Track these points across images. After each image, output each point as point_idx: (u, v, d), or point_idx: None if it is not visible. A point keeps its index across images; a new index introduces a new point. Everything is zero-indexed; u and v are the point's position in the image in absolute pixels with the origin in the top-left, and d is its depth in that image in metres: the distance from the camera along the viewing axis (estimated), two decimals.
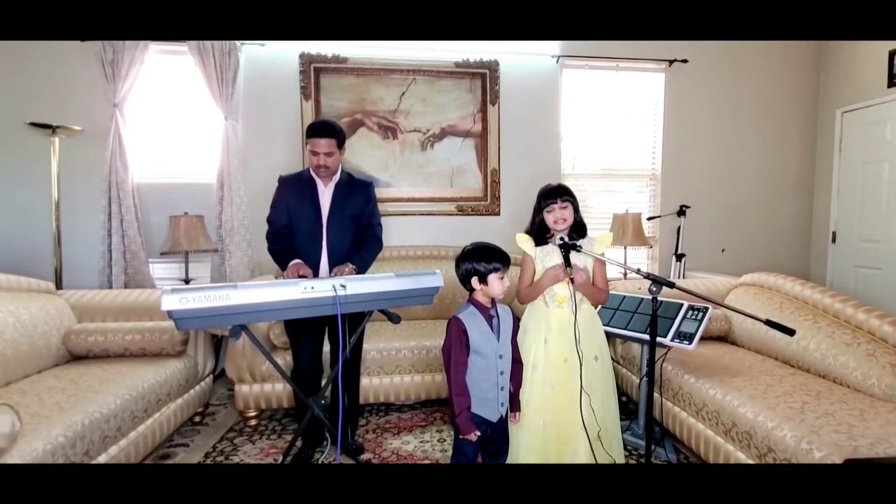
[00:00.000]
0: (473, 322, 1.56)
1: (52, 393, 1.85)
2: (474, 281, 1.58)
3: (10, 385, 1.96)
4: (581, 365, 1.68)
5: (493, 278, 1.56)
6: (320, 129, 2.11)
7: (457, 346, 1.54)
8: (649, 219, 3.83)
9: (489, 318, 1.58)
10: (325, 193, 2.19)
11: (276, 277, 3.10)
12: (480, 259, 1.57)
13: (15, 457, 1.39)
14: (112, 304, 2.55)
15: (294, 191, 2.19)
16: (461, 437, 1.54)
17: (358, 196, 2.24)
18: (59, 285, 2.93)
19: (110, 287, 3.17)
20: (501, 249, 1.60)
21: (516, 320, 1.68)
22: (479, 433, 1.54)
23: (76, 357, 2.34)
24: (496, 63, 3.59)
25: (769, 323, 1.61)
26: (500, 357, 1.58)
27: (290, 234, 2.17)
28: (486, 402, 1.57)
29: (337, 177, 2.22)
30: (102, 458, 1.75)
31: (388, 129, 3.53)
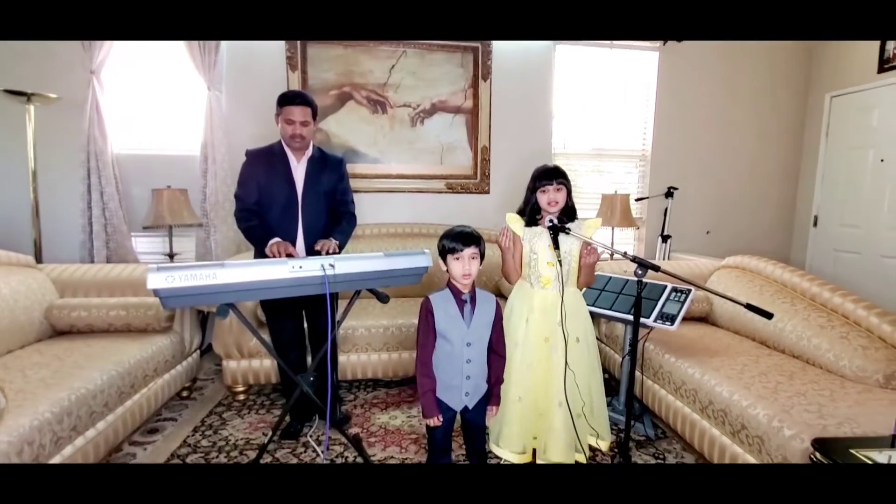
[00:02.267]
0: (442, 304, 1.55)
1: (37, 369, 1.84)
2: (441, 261, 1.58)
3: None
4: (566, 344, 1.71)
5: (449, 258, 1.53)
6: (294, 97, 2.05)
7: (423, 327, 1.55)
8: (637, 200, 3.86)
9: (461, 304, 1.55)
10: (299, 169, 2.13)
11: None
12: (444, 238, 1.55)
13: (1, 433, 1.39)
14: (94, 278, 2.51)
15: (265, 165, 2.10)
16: (423, 419, 1.57)
17: (331, 172, 2.19)
18: (38, 258, 2.87)
19: (91, 261, 3.12)
20: (469, 233, 1.54)
21: (499, 311, 1.63)
22: (441, 419, 1.55)
23: (59, 332, 2.31)
24: None
25: (749, 307, 1.65)
26: (468, 345, 1.55)
27: (262, 211, 2.10)
28: (450, 388, 1.56)
29: (309, 151, 2.15)
30: (90, 433, 1.76)
31: (378, 104, 3.46)
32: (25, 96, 2.81)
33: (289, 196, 2.10)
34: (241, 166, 2.14)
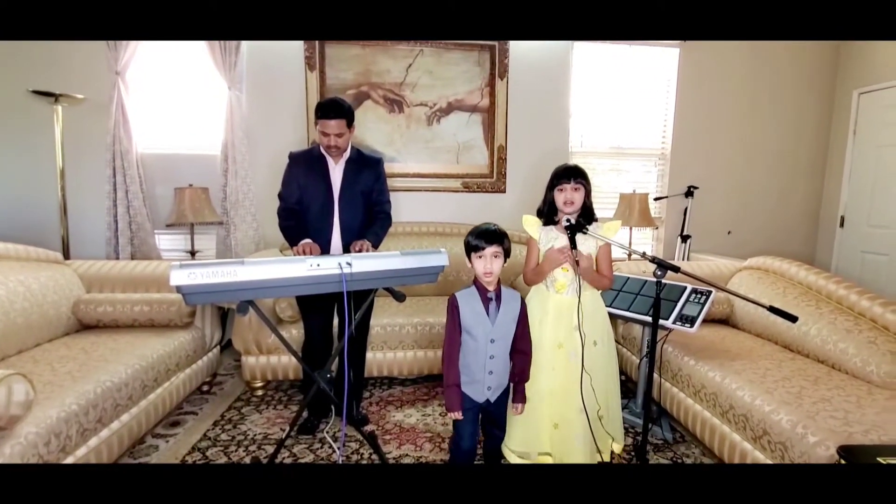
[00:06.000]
0: (468, 301, 1.58)
1: (64, 362, 1.90)
2: (467, 259, 1.60)
3: (23, 353, 2.01)
4: (583, 348, 1.69)
5: (473, 256, 1.57)
6: (329, 109, 2.06)
7: (449, 322, 1.59)
8: (657, 199, 3.80)
9: (486, 301, 1.58)
10: (336, 171, 2.18)
11: (282, 251, 3.12)
12: (469, 235, 1.58)
13: (30, 424, 1.44)
14: (120, 274, 2.57)
15: (304, 168, 2.17)
16: (446, 412, 1.59)
17: (368, 173, 2.23)
18: (66, 255, 2.96)
19: (117, 257, 3.20)
20: (495, 231, 1.56)
21: (524, 308, 1.65)
22: (460, 415, 1.57)
23: (86, 326, 2.38)
24: None
25: (772, 309, 1.61)
26: (492, 342, 1.57)
27: (302, 211, 2.17)
28: (473, 383, 1.60)
29: (347, 154, 2.20)
30: (115, 426, 1.81)
31: (395, 103, 3.47)
32: (53, 97, 2.89)
33: (326, 197, 2.15)
34: (285, 168, 2.21)
